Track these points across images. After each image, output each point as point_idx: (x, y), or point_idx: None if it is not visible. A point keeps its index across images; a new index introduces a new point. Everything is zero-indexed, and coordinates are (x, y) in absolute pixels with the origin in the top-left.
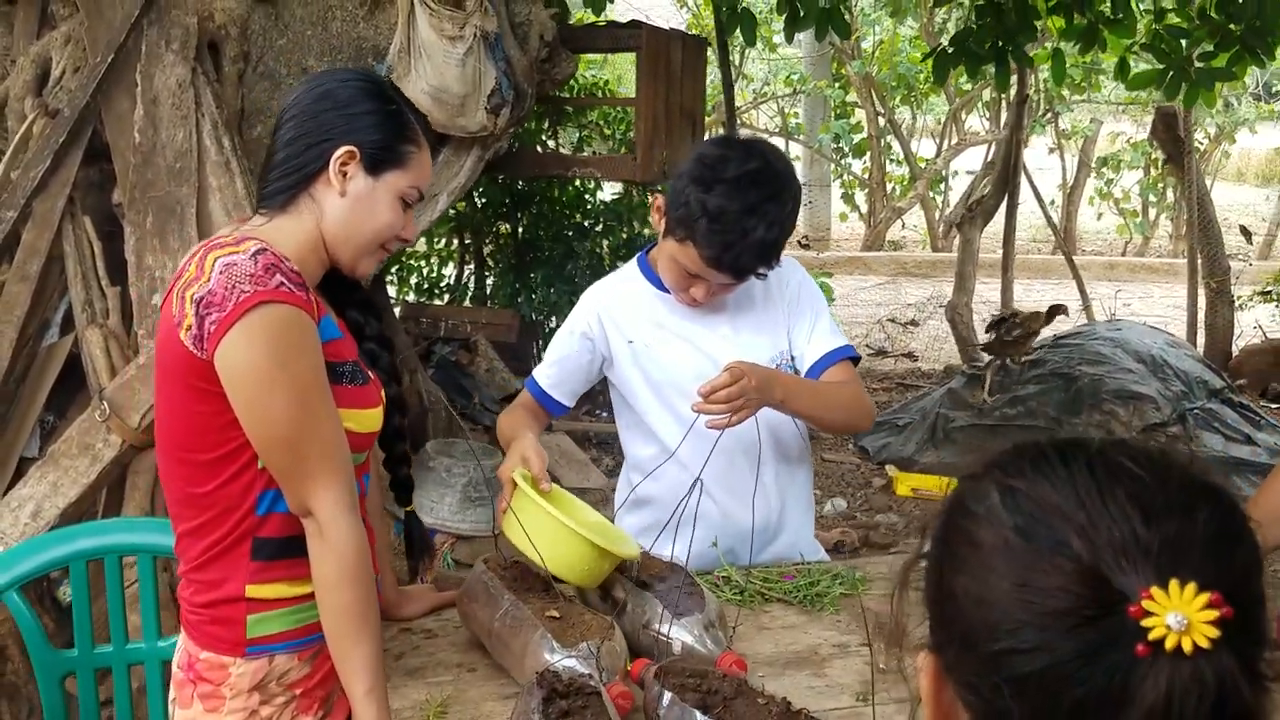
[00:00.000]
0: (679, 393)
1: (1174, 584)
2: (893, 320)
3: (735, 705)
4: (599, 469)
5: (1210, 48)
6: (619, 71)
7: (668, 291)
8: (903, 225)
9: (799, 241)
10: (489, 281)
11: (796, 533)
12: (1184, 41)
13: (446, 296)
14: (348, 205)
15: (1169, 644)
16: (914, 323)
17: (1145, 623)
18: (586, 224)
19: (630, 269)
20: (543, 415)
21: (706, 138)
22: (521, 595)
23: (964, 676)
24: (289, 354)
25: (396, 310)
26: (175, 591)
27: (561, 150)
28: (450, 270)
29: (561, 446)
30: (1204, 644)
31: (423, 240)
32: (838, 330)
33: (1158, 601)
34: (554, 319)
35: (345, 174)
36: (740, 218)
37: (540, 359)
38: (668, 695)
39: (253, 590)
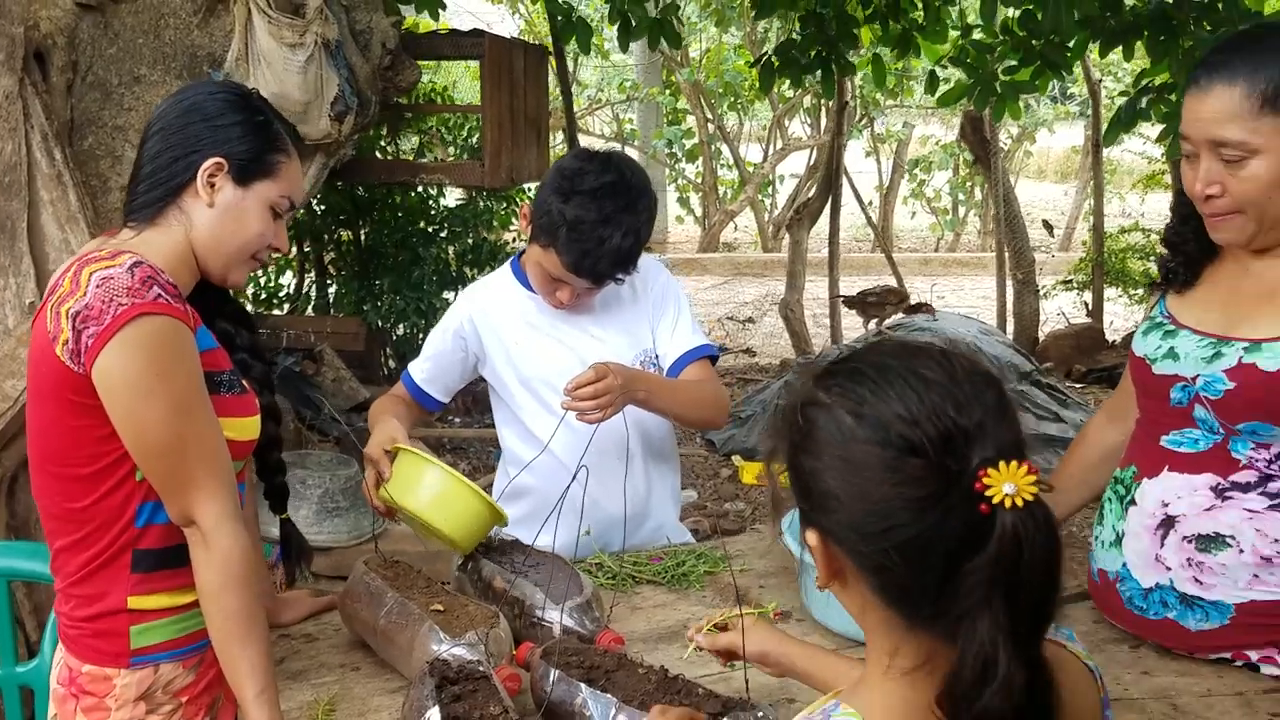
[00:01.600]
0: (550, 389)
1: (1002, 464)
2: (731, 318)
3: (617, 677)
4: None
5: (1014, 62)
6: (453, 78)
7: (536, 293)
8: (735, 227)
9: None
10: (332, 290)
11: (663, 519)
12: (989, 56)
13: (287, 306)
14: (216, 216)
15: (1006, 504)
16: (751, 320)
17: (988, 493)
18: (431, 230)
19: (504, 272)
20: (415, 408)
21: (568, 148)
22: (404, 593)
23: (851, 547)
24: (168, 365)
25: None
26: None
27: (402, 157)
28: (289, 279)
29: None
30: (1030, 498)
31: None
32: (698, 329)
33: (993, 481)
34: (401, 326)
35: (213, 185)
36: (597, 227)
37: (388, 367)
38: (554, 673)
39: (135, 602)
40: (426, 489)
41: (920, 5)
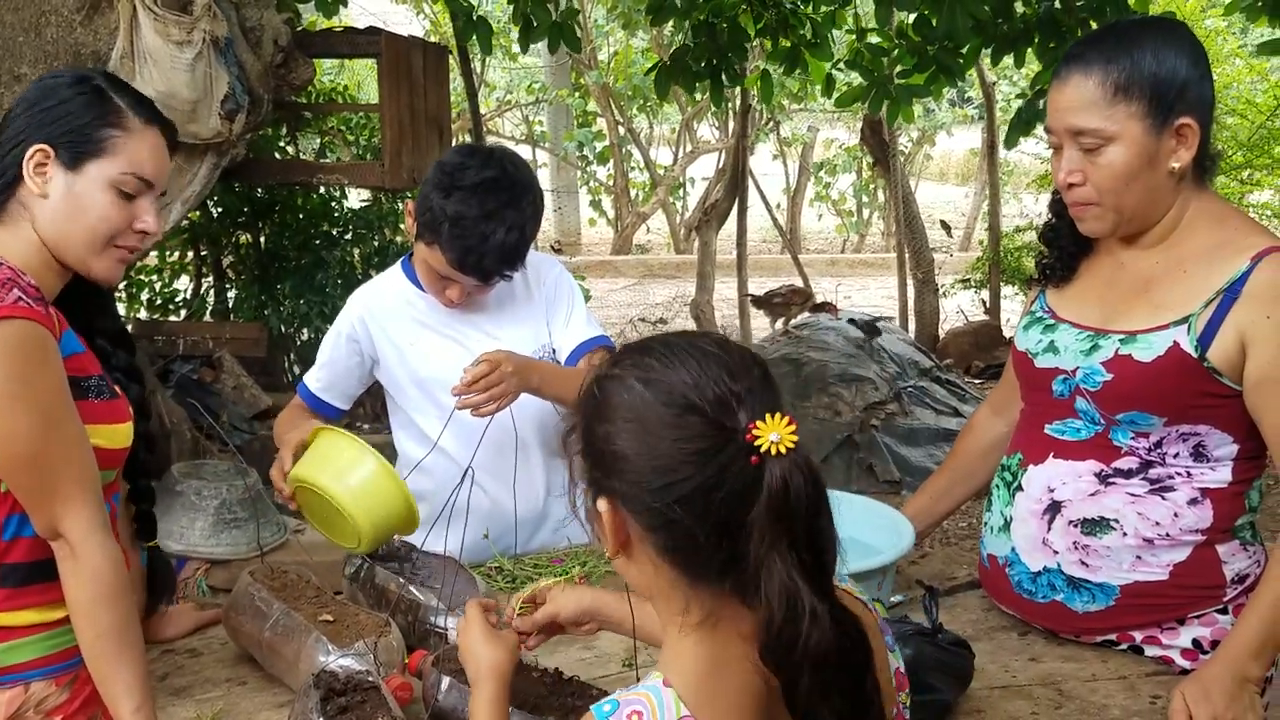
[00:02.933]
0: (444, 389)
1: (768, 417)
2: (643, 319)
3: (511, 681)
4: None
5: (909, 66)
6: (358, 78)
7: (426, 291)
8: (647, 229)
9: (551, 246)
10: (230, 294)
11: (563, 519)
12: (885, 60)
13: (184, 312)
14: (53, 206)
15: (773, 452)
16: (662, 321)
17: (757, 444)
18: (335, 232)
19: (394, 272)
20: (318, 419)
21: (454, 145)
22: (292, 603)
23: (638, 505)
24: (31, 371)
25: (129, 327)
26: None
27: (302, 157)
28: (186, 284)
29: None
30: (791, 446)
31: (153, 253)
32: (593, 321)
33: (760, 431)
34: (305, 331)
35: (44, 174)
36: (479, 223)
37: (292, 373)
38: (445, 680)
39: (3, 618)
40: (352, 473)
41: (808, 22)
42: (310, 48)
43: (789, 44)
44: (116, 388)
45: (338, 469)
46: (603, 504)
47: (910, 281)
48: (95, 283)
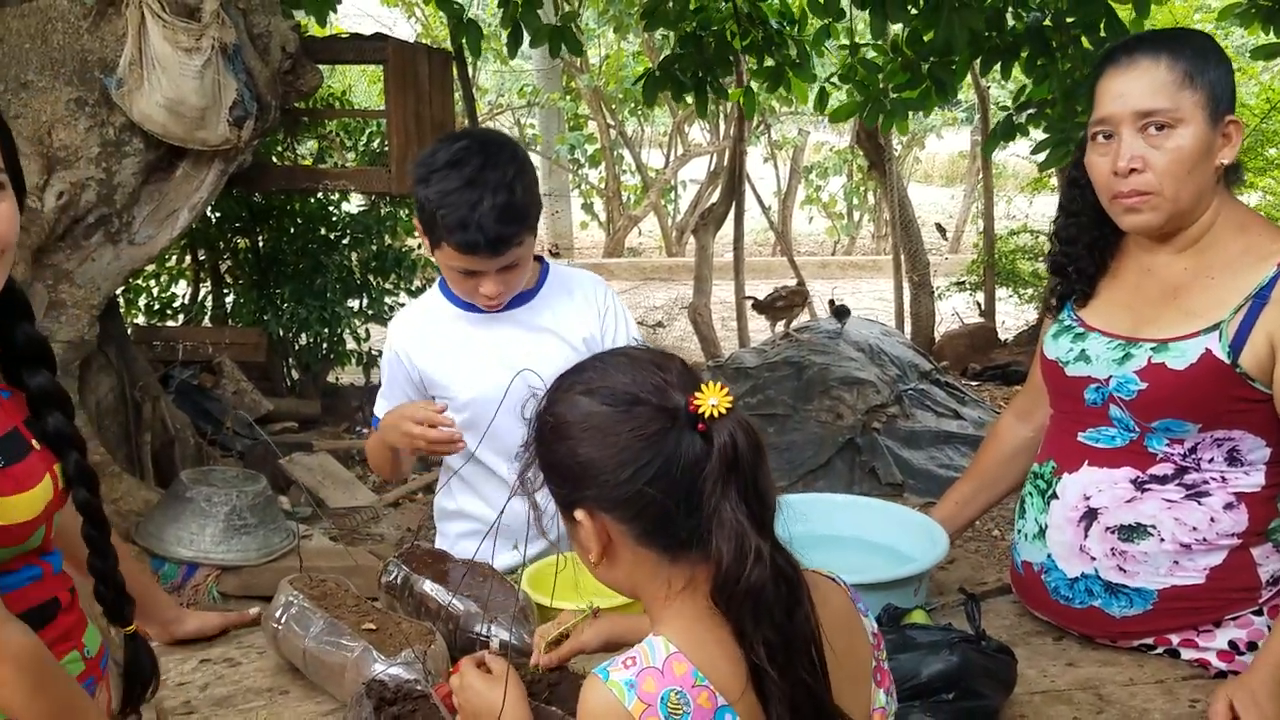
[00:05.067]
0: (486, 406)
1: (704, 387)
2: (641, 323)
3: (560, 690)
4: (365, 486)
5: (903, 81)
6: (349, 81)
7: (470, 309)
8: (639, 232)
9: (547, 250)
10: (229, 299)
11: None
12: (879, 75)
13: (182, 317)
14: None
15: (715, 415)
16: (660, 325)
17: (700, 411)
18: (333, 237)
19: (432, 292)
20: None
21: None
22: (334, 612)
23: (612, 502)
24: None
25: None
26: None
27: (302, 162)
28: (184, 288)
29: (326, 466)
30: (729, 407)
31: None
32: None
33: (700, 399)
34: (304, 335)
35: None
36: (464, 192)
37: (292, 376)
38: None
39: None
40: None
41: (793, 44)
42: (317, 54)
43: (774, 63)
44: (32, 441)
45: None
46: (580, 514)
47: (906, 284)
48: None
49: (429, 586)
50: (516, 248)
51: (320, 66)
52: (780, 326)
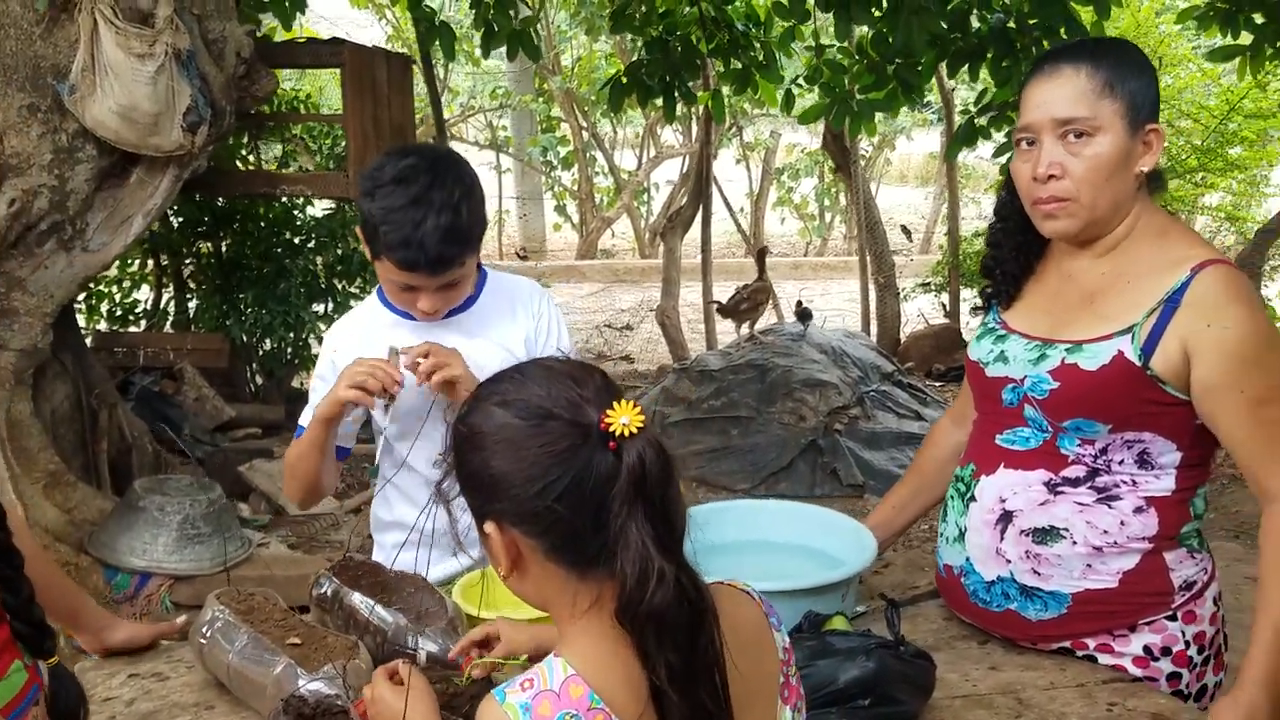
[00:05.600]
0: (410, 416)
1: (616, 405)
2: (609, 325)
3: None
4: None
5: (869, 83)
6: (320, 84)
7: (409, 317)
8: (612, 234)
9: (517, 253)
10: (192, 304)
11: None
12: (844, 77)
13: (144, 323)
14: None
15: (626, 434)
16: (629, 327)
17: (611, 430)
18: (297, 241)
19: (370, 300)
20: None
21: None
22: (259, 626)
23: (521, 516)
24: None
25: (88, 340)
26: None
27: (265, 167)
28: (146, 294)
29: (277, 476)
30: (640, 426)
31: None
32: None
33: (612, 417)
34: (268, 341)
35: None
36: (408, 211)
37: (255, 382)
38: None
39: None
40: None
41: (759, 46)
42: (273, 59)
43: (740, 65)
44: None
45: None
46: (489, 526)
47: (872, 286)
48: None
49: (357, 599)
50: (458, 268)
51: (280, 71)
52: (745, 329)
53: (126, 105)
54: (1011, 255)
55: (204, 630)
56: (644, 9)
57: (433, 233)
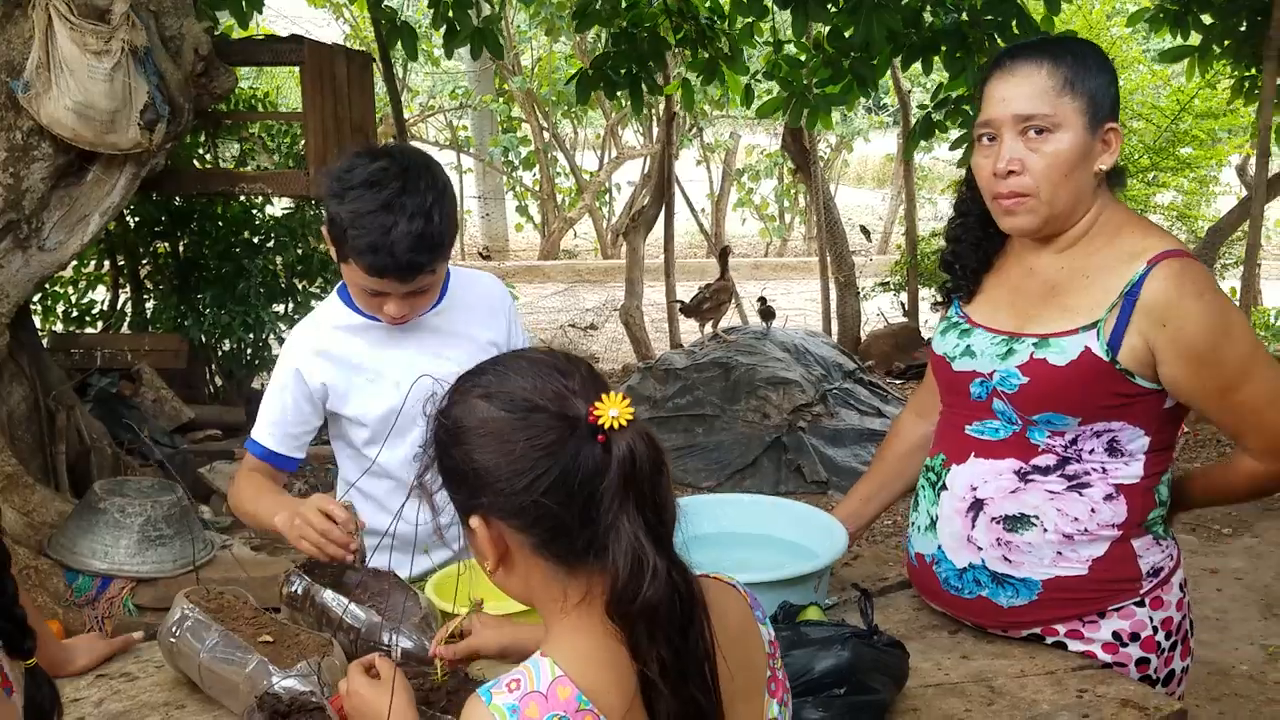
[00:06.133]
0: (384, 420)
1: (604, 397)
2: (574, 325)
3: (458, 697)
4: (290, 493)
5: (826, 77)
6: (277, 82)
7: (371, 318)
8: (575, 234)
9: (479, 252)
10: (149, 305)
11: None
12: (802, 71)
13: (100, 324)
14: None
15: (615, 426)
16: (593, 327)
17: (600, 423)
18: (256, 240)
19: (331, 301)
20: (278, 475)
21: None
22: (230, 624)
23: (508, 510)
24: None
25: (44, 341)
26: None
27: (223, 165)
28: (102, 294)
29: None
30: (629, 419)
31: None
32: None
33: (600, 410)
34: (227, 341)
35: None
36: (378, 216)
37: (215, 383)
38: None
39: None
40: None
41: (725, 37)
42: (231, 56)
43: (707, 55)
44: None
45: None
46: (475, 521)
47: (833, 285)
48: None
49: (330, 597)
50: (428, 275)
51: (238, 69)
52: (708, 328)
53: (83, 102)
54: (971, 250)
55: (173, 629)
56: (609, 3)
57: (403, 239)
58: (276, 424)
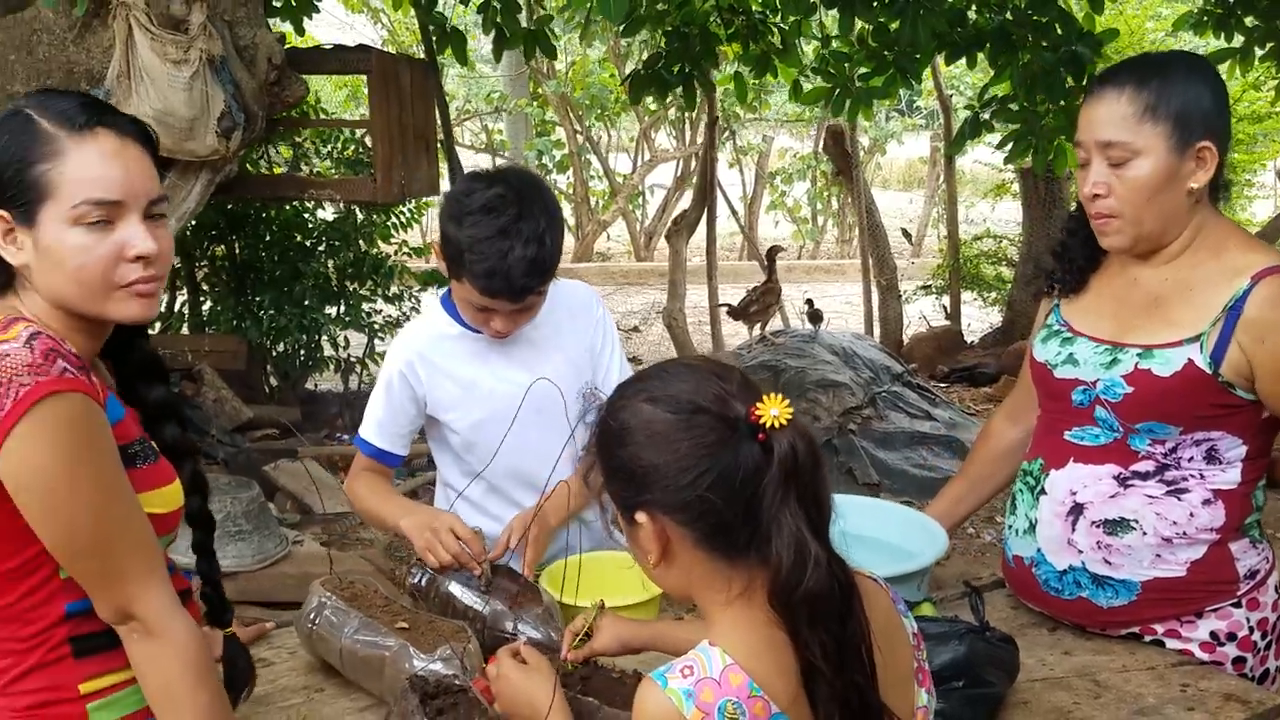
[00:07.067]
0: (493, 426)
1: (765, 399)
2: (617, 327)
3: (593, 683)
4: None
5: (869, 69)
6: (316, 87)
7: (471, 329)
8: (608, 237)
9: None
10: (206, 307)
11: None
12: (847, 65)
13: (159, 325)
14: (36, 269)
15: (776, 425)
16: (636, 329)
17: (761, 422)
18: (309, 244)
19: (435, 311)
20: (387, 472)
21: (445, 160)
22: (366, 612)
23: (673, 506)
24: (85, 449)
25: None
26: None
27: (275, 170)
28: (162, 297)
29: (312, 472)
30: (788, 419)
31: None
32: (626, 366)
33: (762, 410)
34: (283, 343)
35: (13, 241)
36: (496, 241)
37: (270, 385)
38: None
39: (87, 686)
40: None
41: (777, 31)
42: (301, 65)
43: (759, 50)
44: (155, 446)
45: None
46: (641, 516)
47: (874, 288)
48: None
49: (455, 588)
50: (537, 295)
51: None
52: (756, 330)
53: (162, 110)
54: (1080, 245)
55: (311, 617)
56: (658, 6)
57: (518, 263)
58: (382, 424)
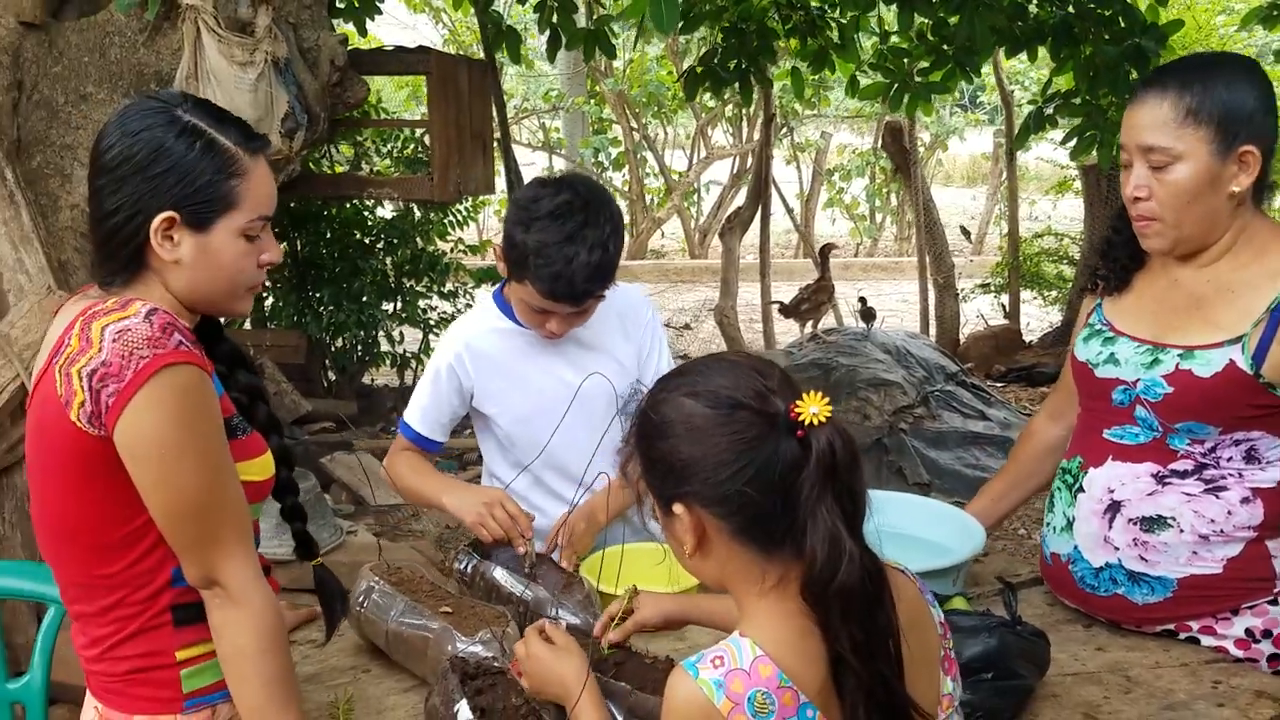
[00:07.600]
0: (540, 422)
1: (805, 396)
2: (668, 325)
3: (626, 668)
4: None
5: (927, 64)
6: (377, 87)
7: (521, 325)
8: (662, 234)
9: None
10: (267, 302)
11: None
12: (906, 60)
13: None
14: (188, 269)
15: (815, 422)
16: (688, 326)
17: (800, 419)
18: (368, 241)
19: (487, 305)
20: (426, 455)
21: (503, 159)
22: (412, 597)
23: (711, 499)
24: (196, 418)
25: None
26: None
27: (336, 168)
28: None
29: (367, 465)
30: (827, 416)
31: None
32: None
33: (801, 407)
34: (341, 338)
35: (173, 240)
36: (562, 247)
37: (328, 379)
38: None
39: (183, 654)
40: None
41: (835, 26)
42: (362, 67)
43: (817, 45)
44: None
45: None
46: (679, 508)
47: (931, 286)
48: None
49: (500, 574)
50: (596, 300)
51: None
52: (808, 328)
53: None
54: (1124, 244)
55: (360, 599)
56: (718, 1)
57: (582, 269)
58: (426, 410)
